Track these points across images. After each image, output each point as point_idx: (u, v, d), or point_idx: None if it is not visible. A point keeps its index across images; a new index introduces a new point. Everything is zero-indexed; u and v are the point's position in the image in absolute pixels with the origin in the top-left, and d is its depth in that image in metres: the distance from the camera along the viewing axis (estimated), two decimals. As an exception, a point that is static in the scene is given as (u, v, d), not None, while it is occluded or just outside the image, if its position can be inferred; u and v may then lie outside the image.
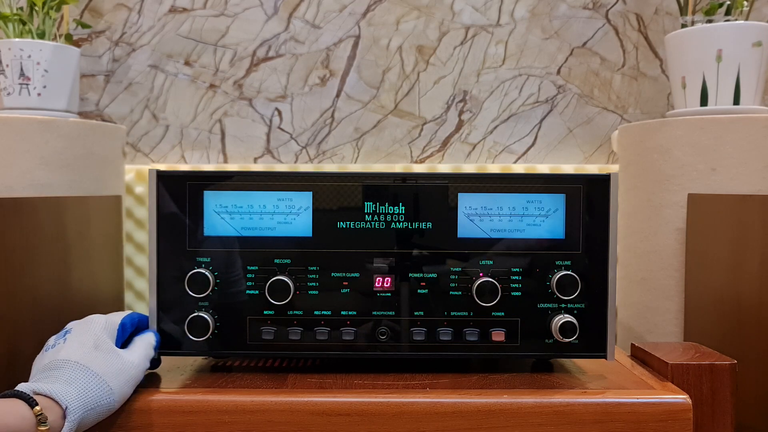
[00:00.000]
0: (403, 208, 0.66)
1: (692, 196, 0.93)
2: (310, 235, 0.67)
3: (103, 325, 0.61)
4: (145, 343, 0.63)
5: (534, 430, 0.60)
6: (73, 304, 0.87)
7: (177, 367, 0.69)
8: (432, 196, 0.67)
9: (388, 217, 0.67)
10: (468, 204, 0.67)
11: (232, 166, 1.24)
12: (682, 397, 0.61)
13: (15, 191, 0.94)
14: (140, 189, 1.20)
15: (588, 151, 1.25)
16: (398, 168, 1.23)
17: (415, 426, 0.59)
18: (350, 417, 0.60)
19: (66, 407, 0.53)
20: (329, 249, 0.66)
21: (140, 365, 0.61)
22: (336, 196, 0.66)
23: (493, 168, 1.23)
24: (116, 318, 0.63)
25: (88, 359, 0.57)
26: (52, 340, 0.61)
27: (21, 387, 0.54)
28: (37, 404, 0.51)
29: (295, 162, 1.25)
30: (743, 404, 0.73)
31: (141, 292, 1.21)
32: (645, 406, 0.60)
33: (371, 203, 0.66)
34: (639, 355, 0.73)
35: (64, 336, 0.60)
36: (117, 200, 1.05)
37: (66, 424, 0.52)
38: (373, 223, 0.66)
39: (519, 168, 1.23)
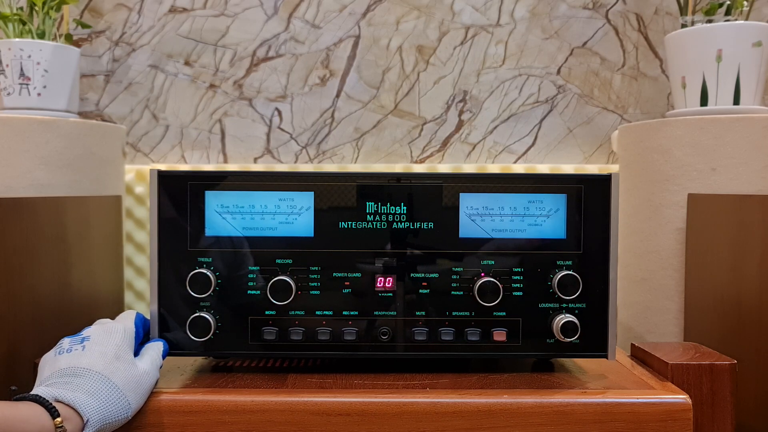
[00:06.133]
0: (405, 208, 0.66)
1: (692, 196, 0.93)
2: (312, 235, 0.67)
3: (122, 334, 0.60)
4: (156, 352, 0.63)
5: (534, 430, 0.60)
6: (73, 304, 0.87)
7: (177, 367, 0.69)
8: (433, 196, 0.67)
9: (390, 217, 0.67)
10: (469, 204, 0.67)
11: (232, 166, 1.24)
12: (682, 397, 0.61)
13: (15, 191, 0.94)
14: (140, 189, 1.20)
15: (588, 151, 1.25)
16: (398, 168, 1.23)
17: (415, 426, 0.60)
18: (350, 417, 0.60)
19: (87, 420, 0.52)
20: (331, 249, 0.66)
21: (154, 376, 0.61)
22: (337, 196, 0.66)
23: (493, 168, 1.23)
24: (129, 324, 0.63)
25: (110, 371, 0.56)
26: (66, 342, 0.59)
27: (41, 392, 0.52)
28: (59, 415, 0.50)
29: (295, 162, 1.25)
30: (743, 404, 0.73)
31: (141, 292, 1.21)
32: (645, 406, 0.60)
33: (372, 203, 0.66)
34: (639, 355, 0.73)
35: (82, 342, 0.58)
36: (117, 200, 1.05)
37: None
38: (374, 223, 0.66)
39: (519, 168, 1.23)
